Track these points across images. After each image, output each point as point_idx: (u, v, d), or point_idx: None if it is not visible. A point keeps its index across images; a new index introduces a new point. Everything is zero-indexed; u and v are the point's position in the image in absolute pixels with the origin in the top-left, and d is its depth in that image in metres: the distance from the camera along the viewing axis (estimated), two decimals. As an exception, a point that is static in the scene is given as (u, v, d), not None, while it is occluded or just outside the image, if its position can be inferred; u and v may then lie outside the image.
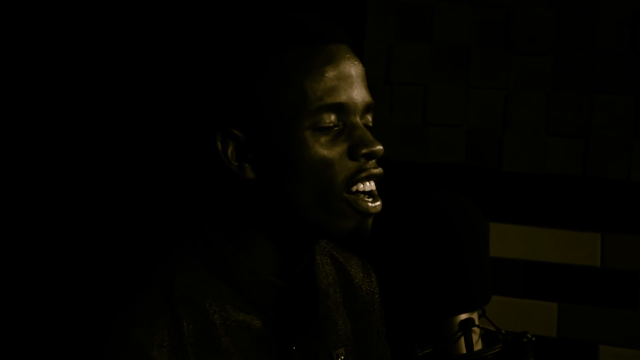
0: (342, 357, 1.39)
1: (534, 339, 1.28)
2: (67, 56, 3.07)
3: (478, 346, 1.29)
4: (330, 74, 1.26)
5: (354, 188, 1.27)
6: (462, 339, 1.28)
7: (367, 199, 1.27)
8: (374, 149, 1.26)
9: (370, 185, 1.28)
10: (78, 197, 3.07)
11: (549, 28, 2.63)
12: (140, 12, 2.98)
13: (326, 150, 1.25)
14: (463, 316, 1.28)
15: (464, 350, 1.28)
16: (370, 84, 1.32)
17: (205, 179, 1.32)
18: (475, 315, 1.29)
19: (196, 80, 1.32)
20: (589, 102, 2.61)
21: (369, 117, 1.31)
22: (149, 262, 1.32)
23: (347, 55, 1.28)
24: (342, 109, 1.26)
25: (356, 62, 1.29)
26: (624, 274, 2.62)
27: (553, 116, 2.65)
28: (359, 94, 1.28)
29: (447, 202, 1.29)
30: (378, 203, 1.28)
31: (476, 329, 1.29)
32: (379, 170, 1.29)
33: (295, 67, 1.25)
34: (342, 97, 1.26)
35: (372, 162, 1.28)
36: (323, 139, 1.25)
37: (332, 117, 1.26)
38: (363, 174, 1.27)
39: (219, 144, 1.27)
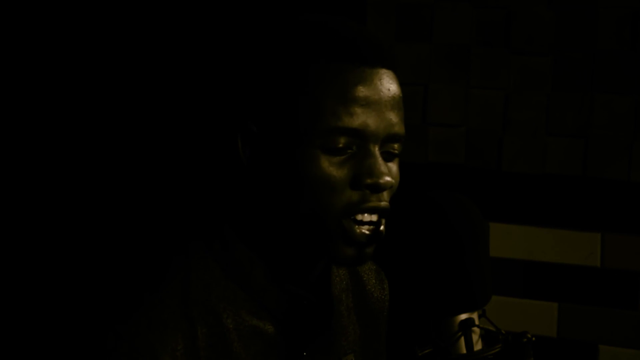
0: None
1: (534, 339, 1.28)
2: (77, 56, 3.07)
3: (478, 346, 1.29)
4: (355, 97, 1.21)
5: (354, 217, 1.23)
6: (462, 339, 1.28)
7: (362, 228, 1.23)
8: (379, 180, 1.22)
9: (370, 217, 1.23)
10: (93, 197, 3.08)
11: (549, 28, 2.63)
12: (160, 9, 2.98)
13: (332, 171, 1.21)
14: (463, 316, 1.28)
15: (464, 350, 1.28)
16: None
17: (225, 183, 1.31)
18: (475, 315, 1.29)
19: (224, 77, 1.30)
20: (589, 102, 2.61)
21: (395, 146, 1.25)
22: (162, 259, 1.30)
23: (381, 81, 1.23)
24: (356, 134, 1.22)
25: (390, 89, 1.24)
26: (624, 274, 2.62)
27: (553, 116, 2.65)
28: (381, 122, 1.22)
29: (447, 202, 1.29)
30: (381, 228, 1.24)
31: (476, 329, 1.29)
32: (384, 204, 1.24)
33: (323, 83, 1.21)
34: (358, 123, 1.21)
35: (380, 195, 1.23)
36: (332, 160, 1.22)
37: (343, 140, 1.21)
38: (364, 205, 1.22)
39: (239, 139, 1.25)
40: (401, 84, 1.29)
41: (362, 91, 1.21)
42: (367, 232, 1.23)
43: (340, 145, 1.21)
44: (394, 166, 1.26)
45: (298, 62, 1.23)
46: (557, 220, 2.67)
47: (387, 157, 1.25)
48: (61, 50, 3.07)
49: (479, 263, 1.27)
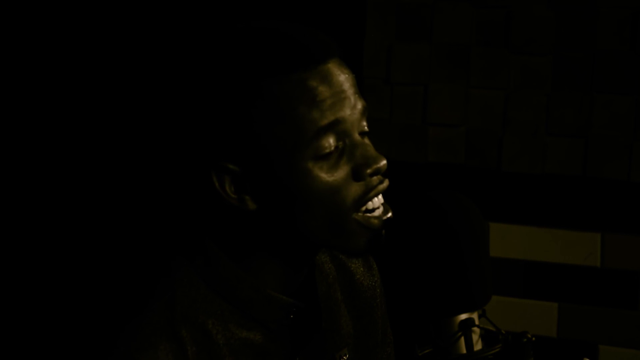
0: (346, 357, 1.39)
1: (534, 339, 1.28)
2: (65, 66, 3.07)
3: (478, 346, 1.29)
4: (324, 96, 1.21)
5: (363, 207, 1.25)
6: (462, 339, 1.28)
7: (376, 215, 1.26)
8: (379, 165, 1.24)
9: (378, 200, 1.26)
10: (78, 205, 3.07)
11: (549, 28, 2.64)
12: (129, 32, 2.98)
13: (331, 177, 1.22)
14: (463, 316, 1.28)
15: (464, 350, 1.28)
16: (370, 84, 1.31)
17: (205, 203, 1.29)
18: (475, 315, 1.29)
19: (185, 113, 1.27)
20: (589, 102, 2.61)
21: (365, 122, 1.27)
22: (149, 278, 1.29)
23: (338, 72, 1.24)
24: (339, 131, 1.23)
25: (347, 74, 1.25)
26: (624, 274, 2.62)
27: (553, 116, 2.65)
28: (354, 109, 1.24)
29: (446, 202, 1.29)
30: (389, 215, 1.27)
31: (476, 329, 1.29)
32: (385, 184, 1.26)
33: (289, 96, 1.21)
34: (337, 121, 1.22)
35: (378, 176, 1.26)
36: (326, 166, 1.22)
37: (331, 140, 1.22)
38: (371, 193, 1.25)
39: (215, 180, 1.24)
40: (401, 84, 1.30)
41: (327, 90, 1.22)
42: (381, 216, 1.26)
43: (329, 148, 1.22)
44: (370, 143, 1.28)
45: (255, 89, 1.21)
46: (557, 220, 2.67)
47: (363, 136, 1.27)
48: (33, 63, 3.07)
49: (479, 263, 1.27)
